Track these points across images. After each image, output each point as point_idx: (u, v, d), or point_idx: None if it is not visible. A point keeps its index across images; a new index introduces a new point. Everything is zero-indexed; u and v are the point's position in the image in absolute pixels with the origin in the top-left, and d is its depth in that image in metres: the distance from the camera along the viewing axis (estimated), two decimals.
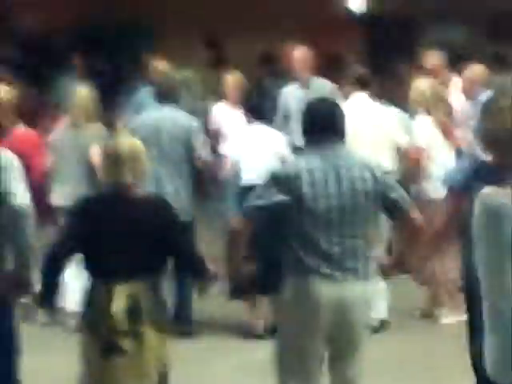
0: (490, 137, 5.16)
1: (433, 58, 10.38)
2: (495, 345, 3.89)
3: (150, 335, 5.33)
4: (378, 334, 8.01)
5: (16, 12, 15.38)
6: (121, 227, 5.37)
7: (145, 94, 11.02)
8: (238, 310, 8.71)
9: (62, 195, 8.42)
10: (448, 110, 9.18)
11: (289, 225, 5.35)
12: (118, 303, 5.22)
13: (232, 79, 10.39)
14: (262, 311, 8.50)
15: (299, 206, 5.24)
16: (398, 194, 5.50)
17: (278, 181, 5.33)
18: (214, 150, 9.62)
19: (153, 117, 8.77)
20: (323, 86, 10.38)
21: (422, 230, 5.62)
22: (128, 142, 5.73)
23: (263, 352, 6.78)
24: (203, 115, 10.45)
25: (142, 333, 5.30)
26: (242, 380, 7.41)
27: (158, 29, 15.48)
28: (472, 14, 14.86)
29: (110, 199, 5.51)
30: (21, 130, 8.87)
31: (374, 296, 6.28)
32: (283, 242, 5.46)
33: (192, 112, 9.92)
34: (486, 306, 3.91)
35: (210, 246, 8.21)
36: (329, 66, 11.66)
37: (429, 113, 8.95)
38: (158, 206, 5.62)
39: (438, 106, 9.07)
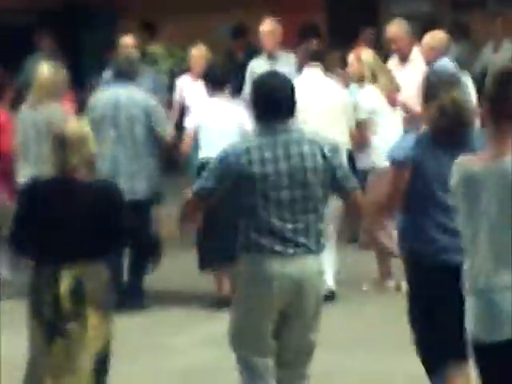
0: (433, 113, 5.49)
1: (394, 27, 10.45)
2: (475, 306, 4.27)
3: (94, 317, 5.47)
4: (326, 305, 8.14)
5: None
6: (65, 211, 5.40)
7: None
8: (199, 282, 8.83)
9: (25, 174, 8.34)
10: (391, 79, 9.37)
11: (239, 204, 5.43)
12: (63, 286, 5.30)
13: (196, 52, 10.41)
14: (225, 284, 8.57)
15: (249, 186, 5.29)
16: (343, 172, 5.57)
17: (228, 160, 5.37)
18: (179, 124, 9.77)
19: (110, 96, 8.74)
20: (289, 59, 10.40)
21: (364, 209, 5.81)
22: (74, 125, 5.76)
23: (224, 325, 6.69)
24: (170, 89, 10.70)
25: (85, 315, 5.42)
26: (203, 353, 7.44)
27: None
28: None
29: (55, 182, 5.55)
30: None
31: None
32: (235, 221, 5.57)
33: (158, 86, 10.12)
34: (465, 269, 4.33)
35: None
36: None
37: (374, 82, 9.21)
38: (103, 190, 5.68)
39: (381, 75, 9.28)
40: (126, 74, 8.71)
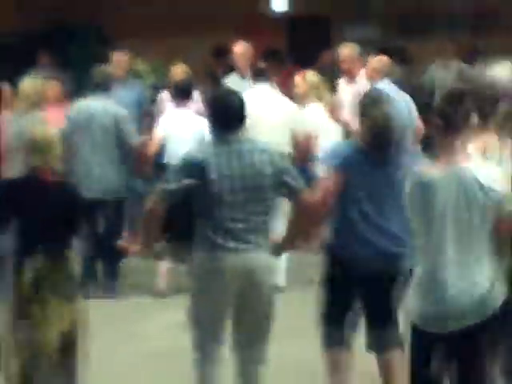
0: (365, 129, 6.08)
1: (345, 50, 11.19)
2: (420, 298, 4.78)
3: (56, 302, 6.05)
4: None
5: None
6: (31, 208, 6.04)
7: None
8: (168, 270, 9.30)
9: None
10: (334, 98, 10.35)
11: (197, 205, 5.85)
12: (26, 275, 5.92)
13: (176, 69, 11.22)
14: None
15: (206, 189, 5.69)
16: (292, 176, 5.98)
17: (187, 166, 5.80)
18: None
19: (85, 107, 9.30)
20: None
21: (311, 208, 6.12)
22: (42, 130, 6.43)
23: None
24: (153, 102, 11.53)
25: (47, 300, 6.02)
26: (174, 338, 7.74)
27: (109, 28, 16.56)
28: (384, 13, 16.13)
29: (25, 182, 6.20)
30: None
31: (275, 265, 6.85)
32: (192, 220, 5.97)
33: (143, 99, 11.19)
34: (419, 261, 4.83)
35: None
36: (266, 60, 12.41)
37: (319, 100, 10.17)
38: (66, 190, 6.31)
39: (325, 94, 10.29)
40: (99, 87, 9.25)
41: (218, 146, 5.90)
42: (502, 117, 5.59)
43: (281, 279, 9.25)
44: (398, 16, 16.23)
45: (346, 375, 6.38)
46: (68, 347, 6.28)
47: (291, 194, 6.00)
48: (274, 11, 17.27)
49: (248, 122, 6.37)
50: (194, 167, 5.78)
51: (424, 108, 5.05)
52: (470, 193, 4.79)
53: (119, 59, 11.64)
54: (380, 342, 6.31)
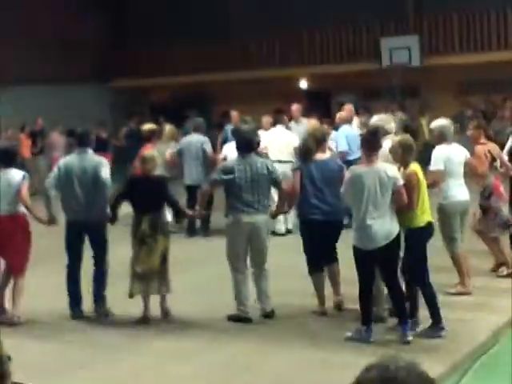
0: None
1: (346, 108, 14.20)
2: (359, 232, 7.41)
3: (160, 238, 8.58)
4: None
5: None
6: (143, 190, 8.68)
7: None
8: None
9: None
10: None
11: (228, 190, 8.46)
12: (144, 223, 8.52)
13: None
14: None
15: (233, 181, 8.29)
16: (277, 176, 8.53)
17: (225, 169, 8.55)
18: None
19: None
20: (304, 123, 14.69)
21: (286, 192, 8.71)
22: (150, 153, 9.44)
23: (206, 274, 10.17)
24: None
25: (156, 236, 8.52)
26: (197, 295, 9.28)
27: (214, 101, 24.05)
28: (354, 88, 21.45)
29: (140, 177, 9.20)
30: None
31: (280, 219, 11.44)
32: (227, 197, 8.50)
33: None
34: (353, 217, 7.50)
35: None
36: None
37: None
38: (159, 181, 9.02)
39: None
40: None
41: (239, 159, 8.51)
42: (395, 146, 7.82)
43: (282, 227, 12.76)
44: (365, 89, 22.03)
45: (323, 285, 8.57)
46: (164, 259, 8.66)
47: (276, 185, 8.67)
48: (301, 88, 24.34)
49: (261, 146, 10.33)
50: (228, 170, 8.46)
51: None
52: (380, 178, 7.18)
53: (234, 114, 16.26)
54: (329, 260, 8.63)
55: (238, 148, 8.62)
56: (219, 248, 8.98)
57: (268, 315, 8.35)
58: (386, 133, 8.50)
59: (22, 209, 8.91)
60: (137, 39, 26.02)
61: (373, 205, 7.18)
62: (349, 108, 14.09)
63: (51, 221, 9.15)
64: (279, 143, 12.92)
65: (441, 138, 9.00)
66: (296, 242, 9.04)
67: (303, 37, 23.68)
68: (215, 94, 24.40)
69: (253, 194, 8.26)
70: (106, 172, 8.91)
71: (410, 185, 7.37)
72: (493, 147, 9.66)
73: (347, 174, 7.58)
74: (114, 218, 8.92)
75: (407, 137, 7.96)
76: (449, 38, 21.95)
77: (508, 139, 9.91)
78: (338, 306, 8.45)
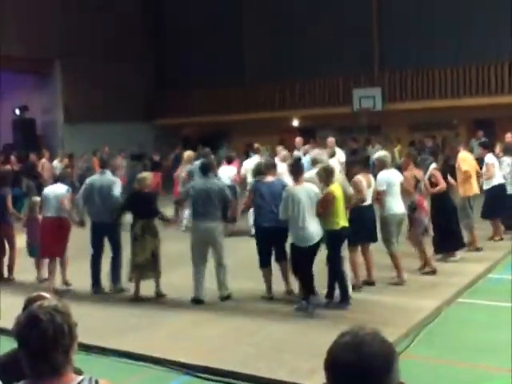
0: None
1: (329, 140, 14.40)
2: (297, 234, 7.64)
3: (149, 237, 8.64)
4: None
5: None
6: (139, 202, 8.66)
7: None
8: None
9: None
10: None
11: (191, 203, 8.52)
12: (137, 227, 8.64)
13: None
14: None
15: (192, 196, 8.40)
16: (228, 194, 8.50)
17: (188, 189, 8.68)
18: None
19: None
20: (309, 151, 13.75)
21: (235, 210, 8.79)
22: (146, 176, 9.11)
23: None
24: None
25: (145, 236, 8.61)
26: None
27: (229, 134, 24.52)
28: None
29: (137, 192, 8.81)
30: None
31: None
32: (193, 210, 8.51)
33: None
34: (291, 225, 7.63)
35: None
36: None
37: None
38: (150, 195, 8.92)
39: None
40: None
41: (198, 182, 8.83)
42: (320, 171, 8.00)
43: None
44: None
45: (270, 276, 8.53)
46: (154, 255, 8.73)
47: (226, 203, 8.49)
48: (293, 126, 24.60)
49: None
50: (187, 190, 8.73)
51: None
52: (309, 193, 7.68)
53: (258, 146, 14.89)
54: (280, 258, 8.54)
55: (201, 172, 8.72)
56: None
57: (225, 298, 8.35)
58: (317, 162, 8.87)
59: (64, 214, 9.44)
60: (172, 89, 26.31)
61: (307, 213, 7.48)
62: (331, 141, 14.21)
63: (80, 223, 9.55)
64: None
65: (382, 165, 9.04)
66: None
67: (296, 87, 23.99)
68: (231, 129, 24.80)
69: (209, 207, 8.28)
70: (117, 189, 9.16)
71: (326, 199, 7.65)
72: (417, 172, 9.68)
73: (284, 192, 7.69)
74: (118, 222, 9.24)
75: (328, 164, 8.30)
76: (403, 88, 22.23)
77: (427, 168, 9.89)
78: (289, 292, 8.45)
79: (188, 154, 14.14)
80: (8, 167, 15.58)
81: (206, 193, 8.25)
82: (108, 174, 9.41)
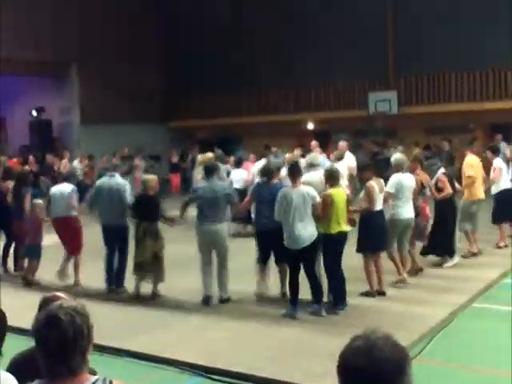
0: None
1: (340, 144, 13.67)
2: (290, 237, 7.57)
3: (150, 239, 8.71)
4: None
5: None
6: (143, 204, 8.78)
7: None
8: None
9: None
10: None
11: (197, 205, 8.55)
12: (140, 229, 8.76)
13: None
14: None
15: (197, 199, 8.56)
16: (231, 194, 8.61)
17: (194, 190, 8.81)
18: None
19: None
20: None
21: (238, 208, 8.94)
22: (151, 177, 9.19)
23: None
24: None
25: (146, 239, 8.68)
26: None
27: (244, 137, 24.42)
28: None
29: (143, 195, 8.96)
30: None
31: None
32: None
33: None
34: (284, 227, 7.55)
35: None
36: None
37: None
38: (154, 198, 8.85)
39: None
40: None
41: (204, 184, 8.71)
42: (325, 173, 8.15)
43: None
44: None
45: (262, 275, 8.63)
46: (156, 256, 8.82)
47: (230, 202, 8.57)
48: (308, 129, 24.53)
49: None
50: (196, 191, 8.75)
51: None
52: (304, 196, 7.56)
53: (275, 150, 15.84)
54: (279, 260, 8.51)
55: (206, 175, 8.75)
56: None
57: (225, 301, 8.37)
58: (313, 165, 8.81)
59: (74, 212, 9.72)
60: (186, 91, 26.36)
61: (298, 216, 7.41)
62: (342, 145, 13.70)
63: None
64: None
65: (398, 167, 8.95)
66: None
67: (311, 90, 23.95)
68: (245, 132, 24.82)
69: (214, 209, 8.37)
70: (127, 192, 9.25)
71: (324, 202, 7.62)
72: (424, 177, 9.54)
73: (279, 194, 7.67)
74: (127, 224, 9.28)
75: (332, 168, 8.22)
76: (419, 93, 22.13)
77: (435, 172, 9.82)
78: (283, 294, 8.41)
79: (201, 156, 14.15)
80: (27, 168, 15.65)
81: (212, 195, 8.28)
82: (117, 177, 9.45)
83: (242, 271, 9.12)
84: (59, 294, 3.13)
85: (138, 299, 8.68)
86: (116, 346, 6.78)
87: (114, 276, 9.26)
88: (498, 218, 11.44)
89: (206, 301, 8.33)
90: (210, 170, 8.66)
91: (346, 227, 7.87)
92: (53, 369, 2.21)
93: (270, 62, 24.85)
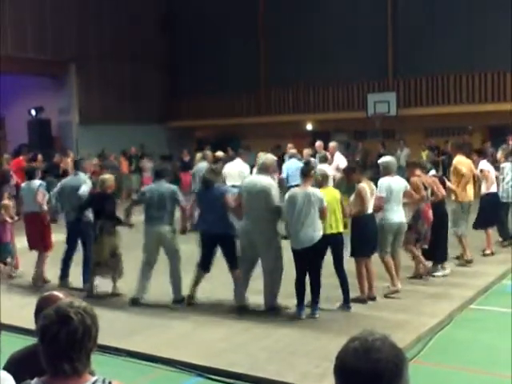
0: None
1: (330, 145, 14.08)
2: (295, 236, 7.53)
3: (107, 236, 8.86)
4: None
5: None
6: (97, 202, 8.97)
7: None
8: None
9: None
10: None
11: (144, 207, 8.60)
12: (97, 228, 8.89)
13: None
14: None
15: (145, 201, 8.58)
16: (180, 198, 8.56)
17: (144, 192, 8.75)
18: None
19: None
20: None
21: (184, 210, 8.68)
22: (109, 176, 9.37)
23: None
24: None
25: (102, 236, 8.82)
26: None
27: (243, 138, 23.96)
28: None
29: (96, 194, 9.19)
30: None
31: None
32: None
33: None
34: (290, 227, 7.56)
35: None
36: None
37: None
38: (108, 197, 8.98)
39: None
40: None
41: (152, 185, 8.91)
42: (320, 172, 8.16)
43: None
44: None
45: (198, 281, 8.45)
46: (114, 255, 8.98)
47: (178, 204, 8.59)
48: (307, 130, 24.56)
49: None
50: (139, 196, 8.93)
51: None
52: (310, 197, 7.55)
53: (289, 145, 15.58)
54: (228, 262, 8.22)
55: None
56: None
57: (178, 302, 8.36)
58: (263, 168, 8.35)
59: (43, 208, 9.74)
60: (186, 91, 26.41)
61: (303, 216, 7.40)
62: (332, 146, 14.06)
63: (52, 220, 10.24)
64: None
65: (386, 170, 8.62)
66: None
67: (310, 91, 23.95)
68: (244, 132, 24.72)
69: (160, 211, 8.40)
70: (84, 189, 9.28)
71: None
72: (426, 179, 9.21)
73: (287, 194, 7.70)
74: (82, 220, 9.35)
75: (324, 169, 8.29)
76: (418, 94, 22.16)
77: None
78: (241, 308, 8.15)
79: (199, 155, 14.62)
80: (35, 165, 15.61)
81: (159, 196, 8.34)
82: (80, 175, 9.68)
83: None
84: (57, 293, 3.09)
85: (93, 298, 8.50)
86: (115, 345, 6.76)
87: (82, 274, 9.31)
88: (480, 223, 11.11)
89: (134, 302, 8.34)
90: (160, 173, 8.74)
91: (336, 228, 7.81)
92: (57, 367, 2.19)
93: (270, 62, 24.86)
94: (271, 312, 7.86)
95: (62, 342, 2.17)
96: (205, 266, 8.31)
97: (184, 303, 8.34)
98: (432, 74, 21.51)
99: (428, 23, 21.67)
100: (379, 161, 8.96)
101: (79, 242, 9.57)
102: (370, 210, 8.25)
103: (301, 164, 11.75)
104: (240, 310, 7.99)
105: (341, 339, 1.79)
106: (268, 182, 7.90)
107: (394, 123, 21.73)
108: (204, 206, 8.24)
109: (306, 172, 7.72)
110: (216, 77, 25.35)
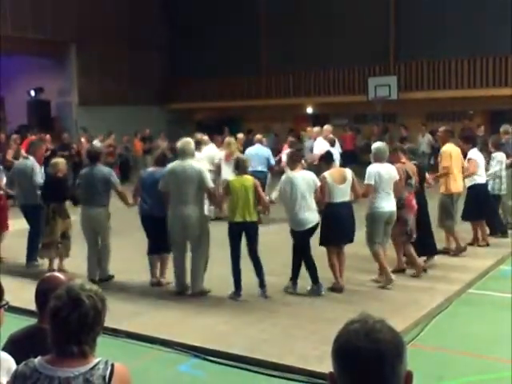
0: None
1: (325, 128, 15.42)
2: (297, 219, 7.76)
3: (60, 219, 9.07)
4: None
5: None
6: (50, 185, 9.10)
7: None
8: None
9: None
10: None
11: (79, 190, 8.88)
12: (50, 210, 9.10)
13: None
14: None
15: (79, 184, 8.85)
16: (114, 181, 8.64)
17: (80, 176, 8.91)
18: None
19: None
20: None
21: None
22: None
23: None
24: None
25: (56, 217, 9.08)
26: None
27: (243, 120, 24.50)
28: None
29: (48, 177, 9.35)
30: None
31: None
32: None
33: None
34: (290, 208, 7.76)
35: None
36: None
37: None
38: (63, 180, 9.24)
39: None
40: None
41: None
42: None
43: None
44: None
45: (155, 265, 8.68)
46: (65, 236, 9.27)
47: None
48: (308, 113, 24.72)
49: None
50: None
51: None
52: (308, 180, 7.75)
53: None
54: (160, 247, 8.52)
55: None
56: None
57: (102, 280, 8.52)
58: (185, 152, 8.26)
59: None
60: (186, 74, 26.30)
61: (303, 199, 7.64)
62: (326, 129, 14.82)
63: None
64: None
65: (375, 157, 8.22)
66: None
67: (311, 74, 23.88)
68: (245, 115, 24.72)
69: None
70: (36, 174, 9.57)
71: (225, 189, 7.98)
72: (410, 167, 8.71)
73: (283, 177, 7.85)
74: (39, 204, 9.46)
75: (239, 157, 8.29)
76: (419, 78, 22.06)
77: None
78: (155, 284, 8.58)
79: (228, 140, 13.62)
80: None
81: (91, 179, 8.48)
82: (30, 160, 9.82)
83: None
84: (57, 274, 3.09)
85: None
86: (114, 326, 6.73)
87: (26, 251, 9.62)
88: (467, 215, 10.56)
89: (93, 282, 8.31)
90: (94, 156, 8.80)
91: (250, 217, 7.76)
92: (66, 349, 2.21)
93: (271, 45, 24.77)
94: (198, 296, 7.96)
95: (73, 324, 2.19)
96: (153, 250, 8.55)
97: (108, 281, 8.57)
98: (433, 58, 21.44)
99: (429, 7, 21.54)
100: (372, 147, 8.49)
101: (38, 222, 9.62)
102: (340, 199, 7.87)
103: (264, 149, 12.78)
104: (178, 293, 8.16)
105: (337, 324, 1.79)
106: (199, 165, 8.06)
107: (394, 107, 21.70)
108: (145, 189, 8.38)
109: (296, 158, 8.01)
110: (216, 59, 25.22)
